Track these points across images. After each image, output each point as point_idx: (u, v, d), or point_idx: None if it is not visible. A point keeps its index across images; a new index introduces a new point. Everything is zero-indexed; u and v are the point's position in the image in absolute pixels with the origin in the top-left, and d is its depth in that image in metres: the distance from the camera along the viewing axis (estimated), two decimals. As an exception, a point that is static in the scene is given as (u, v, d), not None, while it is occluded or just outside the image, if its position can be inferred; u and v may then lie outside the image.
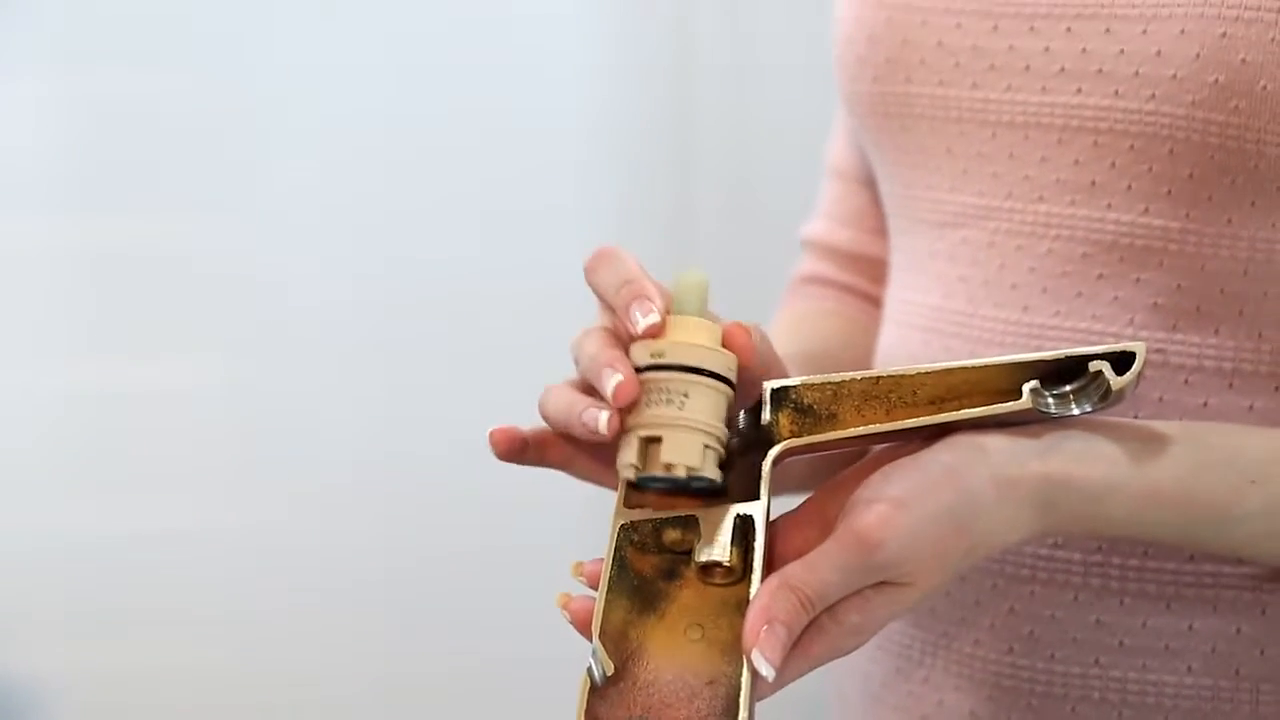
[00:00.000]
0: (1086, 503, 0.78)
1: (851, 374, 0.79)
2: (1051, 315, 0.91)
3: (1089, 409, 0.78)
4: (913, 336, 0.97)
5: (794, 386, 0.79)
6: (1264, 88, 0.84)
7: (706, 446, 0.76)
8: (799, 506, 0.79)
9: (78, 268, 1.66)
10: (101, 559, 1.67)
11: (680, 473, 0.76)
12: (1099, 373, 0.77)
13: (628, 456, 0.77)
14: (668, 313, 0.78)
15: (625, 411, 0.77)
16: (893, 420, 0.78)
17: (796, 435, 0.79)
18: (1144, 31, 0.88)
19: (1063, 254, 0.91)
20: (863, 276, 1.08)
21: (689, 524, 0.76)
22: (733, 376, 0.78)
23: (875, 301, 1.08)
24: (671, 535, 0.77)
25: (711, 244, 1.78)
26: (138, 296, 1.67)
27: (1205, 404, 0.88)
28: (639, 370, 0.77)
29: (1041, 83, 0.91)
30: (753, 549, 0.75)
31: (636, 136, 1.77)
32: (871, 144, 1.00)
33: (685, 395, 0.76)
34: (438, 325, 1.74)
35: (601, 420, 0.76)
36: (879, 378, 0.79)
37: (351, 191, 1.71)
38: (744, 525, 0.76)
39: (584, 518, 1.69)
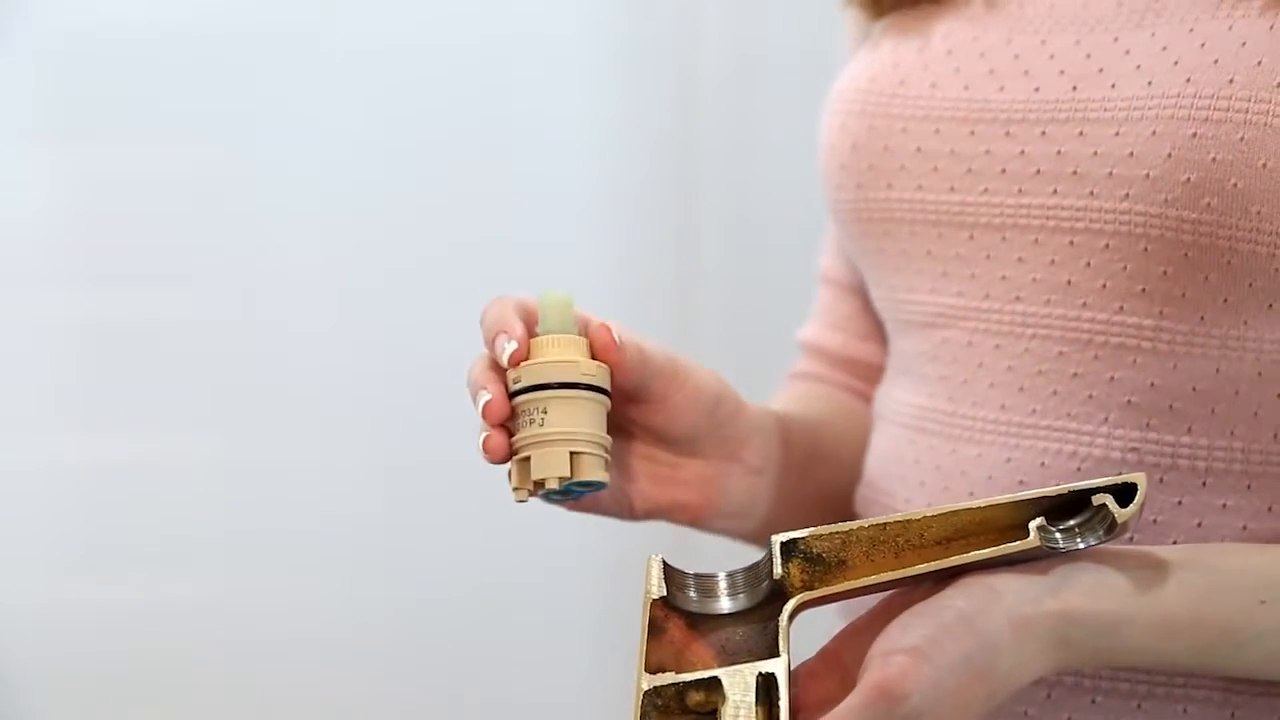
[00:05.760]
0: (1101, 636, 0.79)
1: (859, 522, 0.80)
2: (1028, 414, 0.92)
3: (1094, 542, 0.79)
4: (900, 435, 0.98)
5: (802, 538, 0.80)
6: (1234, 185, 0.85)
7: (575, 454, 0.82)
8: (816, 655, 0.80)
9: (73, 340, 1.62)
10: (101, 630, 1.64)
11: (554, 484, 0.82)
12: (1103, 506, 0.79)
13: (511, 482, 0.83)
14: (531, 335, 0.84)
15: (508, 431, 0.83)
16: (902, 562, 0.79)
17: (808, 585, 0.80)
18: (1116, 133, 0.89)
19: (1039, 353, 0.92)
20: (855, 377, 1.09)
21: (712, 685, 0.77)
22: (596, 380, 0.84)
23: (866, 398, 1.08)
24: (695, 697, 0.77)
25: (716, 264, 1.79)
26: (135, 369, 1.64)
27: (1179, 502, 0.89)
28: (512, 397, 0.83)
29: (1018, 185, 0.92)
30: (777, 706, 0.76)
31: (640, 159, 1.76)
32: (857, 250, 1.01)
33: (544, 411, 0.82)
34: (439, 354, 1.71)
35: (481, 443, 0.83)
36: (886, 524, 0.80)
37: (350, 261, 1.69)
38: (766, 683, 0.76)
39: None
